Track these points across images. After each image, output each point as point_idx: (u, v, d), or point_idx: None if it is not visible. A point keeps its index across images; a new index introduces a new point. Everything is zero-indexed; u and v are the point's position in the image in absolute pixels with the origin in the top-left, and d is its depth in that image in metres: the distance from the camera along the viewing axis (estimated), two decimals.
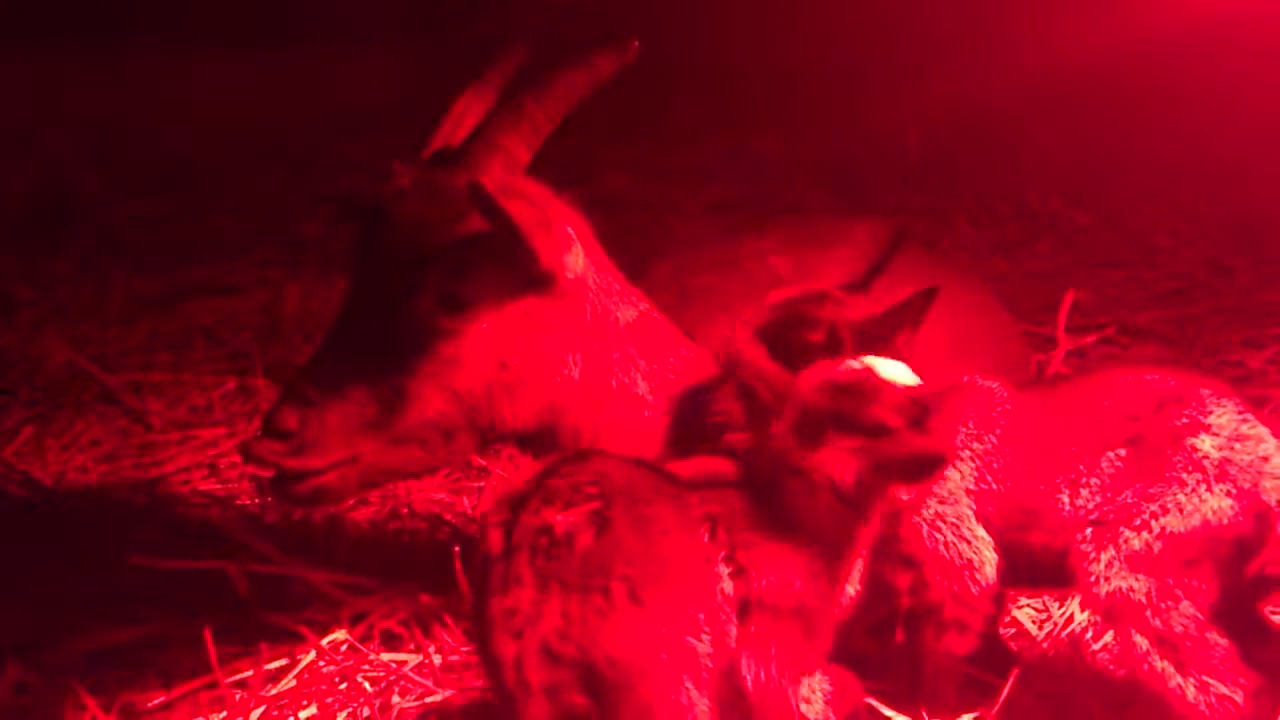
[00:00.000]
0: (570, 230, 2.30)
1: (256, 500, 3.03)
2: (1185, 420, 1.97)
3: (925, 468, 1.80)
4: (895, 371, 1.82)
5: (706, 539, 1.81)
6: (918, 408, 1.79)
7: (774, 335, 2.13)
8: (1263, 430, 1.99)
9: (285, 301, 4.14)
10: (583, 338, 2.32)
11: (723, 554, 1.81)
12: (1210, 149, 4.86)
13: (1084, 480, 2.01)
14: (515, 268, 2.24)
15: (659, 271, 3.06)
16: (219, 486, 3.12)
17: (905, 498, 1.88)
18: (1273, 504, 1.93)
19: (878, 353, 2.09)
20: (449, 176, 2.27)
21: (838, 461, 1.79)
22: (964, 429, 2.07)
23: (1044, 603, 2.50)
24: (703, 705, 1.74)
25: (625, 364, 2.35)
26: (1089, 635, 2.38)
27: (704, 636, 1.76)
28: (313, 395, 2.26)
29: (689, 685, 1.73)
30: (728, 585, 1.80)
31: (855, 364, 1.83)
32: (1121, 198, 4.72)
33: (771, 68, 5.75)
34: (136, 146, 5.51)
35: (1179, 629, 1.92)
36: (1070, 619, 2.44)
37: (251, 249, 4.71)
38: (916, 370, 2.12)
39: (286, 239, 4.77)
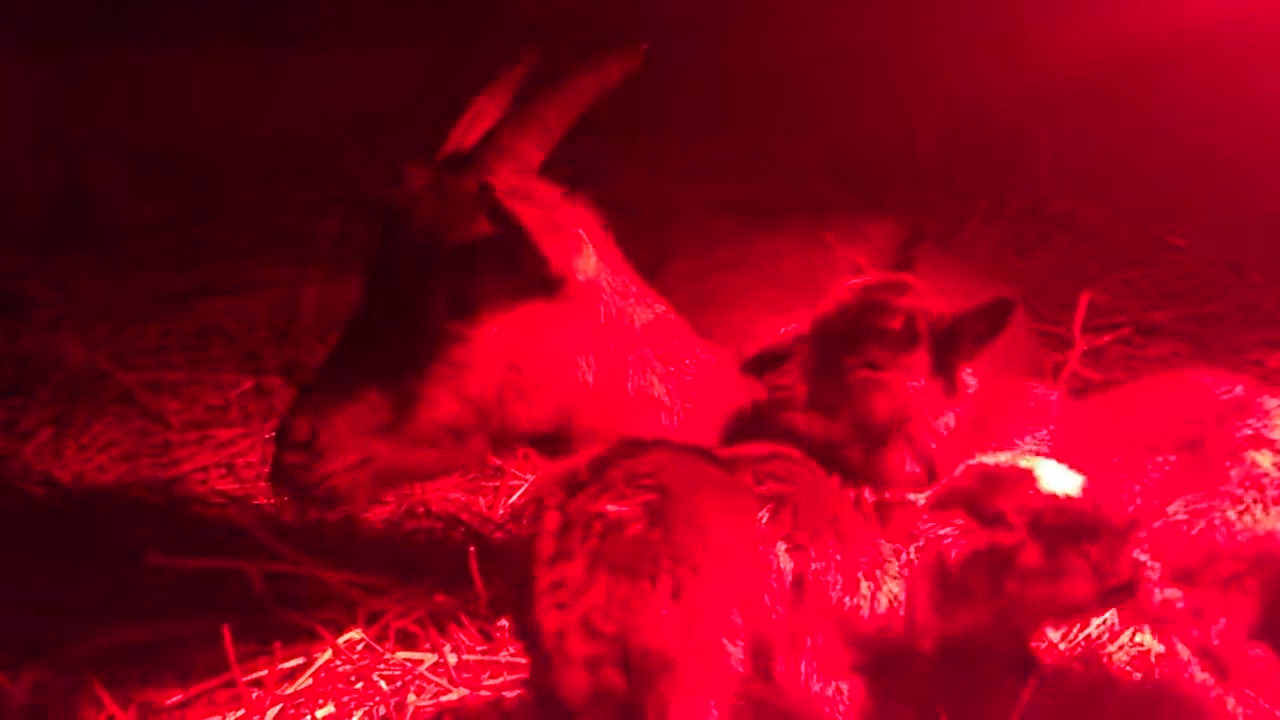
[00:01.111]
0: (582, 232, 2.30)
1: (273, 500, 3.03)
2: (1248, 433, 1.94)
3: (1006, 565, 1.82)
4: (1058, 479, 1.84)
5: (765, 519, 1.84)
6: (1058, 519, 1.81)
7: (850, 320, 2.13)
8: None
9: (299, 301, 4.14)
10: (596, 341, 2.32)
11: (783, 533, 1.84)
12: (1223, 146, 4.83)
13: (1136, 485, 1.99)
14: (524, 271, 2.25)
15: (674, 272, 3.06)
16: (236, 486, 3.13)
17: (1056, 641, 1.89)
18: None
19: (953, 354, 2.11)
20: (460, 180, 2.27)
21: (948, 538, 1.84)
22: (1015, 435, 2.07)
23: None
24: (717, 713, 1.76)
25: (641, 367, 2.35)
26: (1106, 639, 2.37)
27: (739, 642, 1.78)
28: (326, 399, 2.27)
29: (711, 690, 1.75)
30: (785, 561, 1.83)
31: (1023, 460, 1.86)
32: (1134, 195, 4.70)
33: (783, 66, 5.74)
34: (152, 147, 5.51)
35: (1220, 641, 1.91)
36: (1087, 622, 2.43)
37: (265, 249, 4.72)
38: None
39: (300, 239, 4.77)
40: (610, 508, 1.77)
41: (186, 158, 5.46)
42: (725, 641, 1.76)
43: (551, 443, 2.37)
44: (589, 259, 2.29)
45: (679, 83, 5.36)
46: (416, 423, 2.27)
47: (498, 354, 2.27)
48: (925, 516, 1.87)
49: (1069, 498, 1.82)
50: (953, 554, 1.84)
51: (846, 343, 2.11)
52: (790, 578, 1.82)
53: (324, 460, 2.25)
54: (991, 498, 1.82)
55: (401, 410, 2.26)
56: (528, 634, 1.79)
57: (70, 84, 5.47)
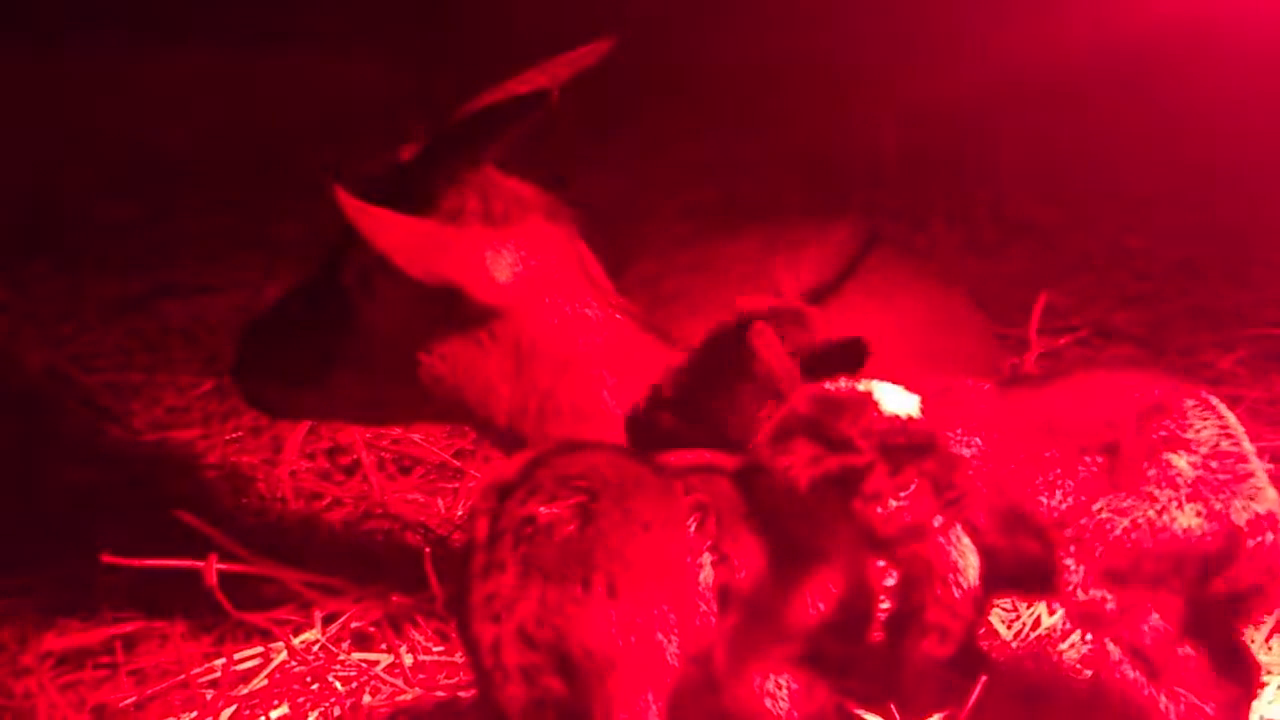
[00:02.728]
0: (500, 249, 2.29)
1: (232, 500, 3.05)
2: (1164, 433, 1.96)
3: (858, 488, 1.79)
4: (897, 401, 1.82)
5: (693, 530, 1.83)
6: (900, 438, 1.79)
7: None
8: (1245, 448, 1.97)
9: (262, 302, 4.13)
10: (520, 346, 2.33)
11: (708, 543, 1.83)
12: (1183, 150, 4.89)
13: (1061, 484, 2.00)
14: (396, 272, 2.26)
15: (634, 275, 3.08)
16: (194, 487, 3.13)
17: (937, 523, 1.86)
18: (1242, 525, 1.92)
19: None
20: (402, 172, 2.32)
21: (796, 467, 1.79)
22: (952, 434, 2.05)
23: (1013, 603, 2.52)
24: (656, 708, 1.77)
25: (588, 381, 2.34)
26: (1056, 637, 2.40)
27: (673, 637, 1.78)
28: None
29: (649, 685, 1.76)
30: (709, 573, 1.82)
31: (860, 384, 1.84)
32: (1095, 199, 4.75)
33: (751, 70, 5.77)
34: (115, 146, 5.50)
35: (1149, 641, 1.93)
36: (1039, 621, 2.46)
37: (229, 250, 4.72)
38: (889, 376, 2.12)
39: (265, 240, 4.77)
40: (541, 510, 1.76)
41: (154, 158, 5.44)
42: (660, 636, 1.77)
43: (511, 442, 2.38)
44: (504, 266, 2.29)
45: (646, 86, 5.38)
46: (332, 384, 2.37)
47: (402, 339, 2.31)
48: (769, 450, 1.83)
49: (910, 418, 1.80)
50: (800, 483, 1.79)
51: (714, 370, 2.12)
52: (717, 586, 1.83)
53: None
54: (835, 423, 1.78)
55: (320, 370, 2.36)
56: (467, 647, 1.80)
57: (37, 82, 5.45)
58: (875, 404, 1.80)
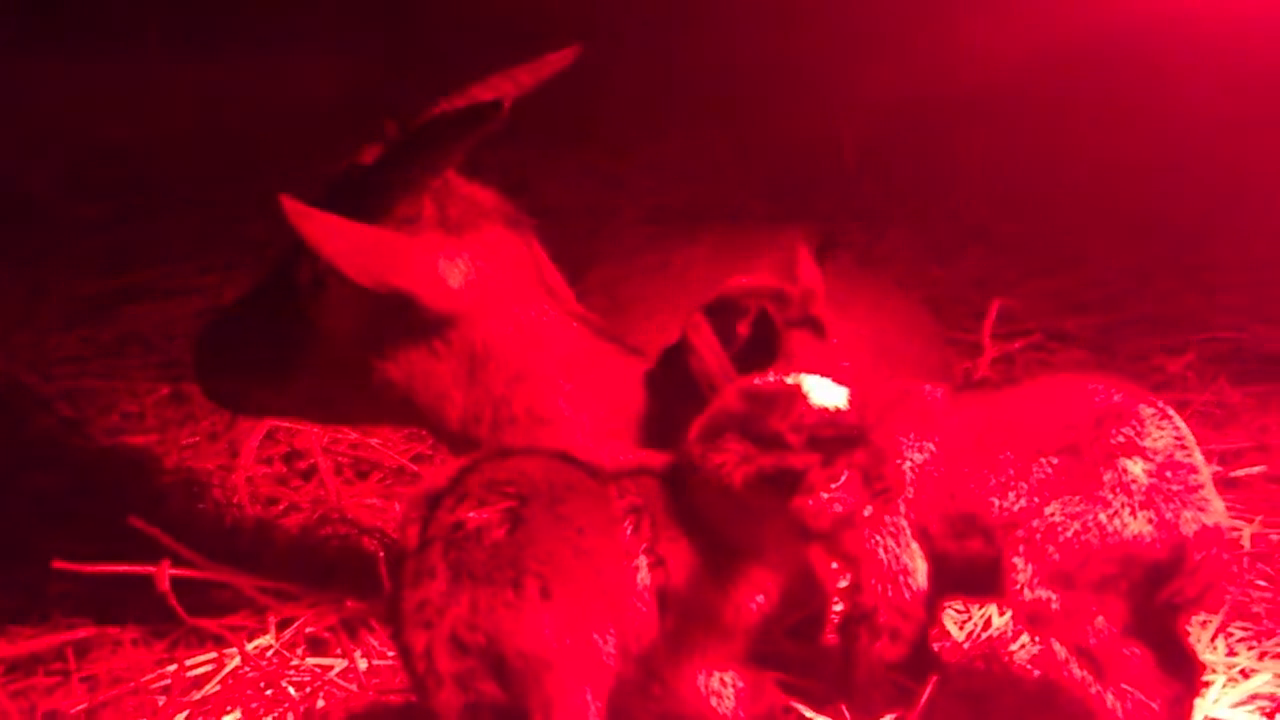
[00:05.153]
0: (454, 256, 2.29)
1: (187, 505, 3.04)
2: (1122, 440, 1.98)
3: (793, 484, 1.79)
4: (825, 394, 1.81)
5: (629, 532, 1.84)
6: (829, 431, 1.79)
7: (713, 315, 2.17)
8: (1197, 459, 2.00)
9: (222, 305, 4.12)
10: (473, 351, 2.33)
11: (644, 545, 1.84)
12: (1135, 157, 4.96)
13: (1015, 485, 2.02)
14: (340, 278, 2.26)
15: (591, 280, 3.09)
16: (150, 492, 3.11)
17: (867, 513, 1.86)
18: (1190, 536, 1.95)
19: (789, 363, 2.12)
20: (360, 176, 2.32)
21: (729, 465, 1.80)
22: (904, 440, 2.08)
23: (965, 604, 2.54)
24: (596, 706, 1.78)
25: (544, 388, 2.34)
26: (1007, 638, 2.42)
27: (609, 637, 1.79)
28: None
29: (587, 684, 1.77)
30: (645, 576, 1.84)
31: (789, 378, 1.84)
32: (1050, 206, 4.81)
33: (712, 75, 5.81)
34: (82, 148, 5.48)
35: (1095, 641, 1.96)
36: (989, 622, 2.48)
37: (193, 253, 4.70)
38: (844, 381, 2.14)
39: (230, 243, 4.76)
40: (470, 515, 1.77)
41: (118, 158, 5.42)
42: (596, 636, 1.78)
43: (467, 448, 2.38)
44: (457, 274, 2.29)
45: (608, 91, 5.40)
46: (289, 382, 2.38)
47: (355, 342, 2.31)
48: (699, 448, 1.83)
49: (838, 410, 1.80)
50: (733, 481, 1.79)
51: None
52: (655, 587, 1.84)
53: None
54: (765, 418, 1.79)
55: (277, 368, 2.37)
56: (401, 655, 1.80)
57: (5, 86, 5.41)
58: (804, 397, 1.80)
